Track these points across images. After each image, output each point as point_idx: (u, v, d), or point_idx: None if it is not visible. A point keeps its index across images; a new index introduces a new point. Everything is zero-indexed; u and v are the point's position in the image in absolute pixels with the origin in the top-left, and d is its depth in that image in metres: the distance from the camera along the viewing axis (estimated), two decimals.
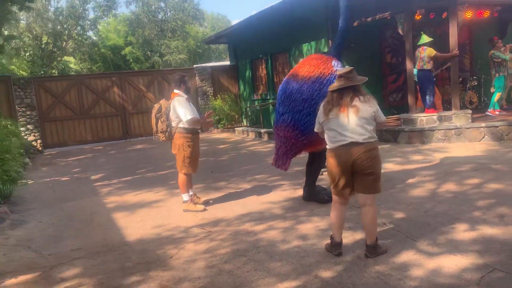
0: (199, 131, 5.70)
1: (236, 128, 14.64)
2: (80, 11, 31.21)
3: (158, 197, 6.52)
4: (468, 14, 11.79)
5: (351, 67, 3.81)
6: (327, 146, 3.82)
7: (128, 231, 4.99)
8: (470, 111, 9.23)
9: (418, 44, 9.40)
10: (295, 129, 5.16)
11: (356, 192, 3.76)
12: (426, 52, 9.20)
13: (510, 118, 9.01)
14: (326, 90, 4.82)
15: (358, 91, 3.71)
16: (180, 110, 5.25)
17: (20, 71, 24.91)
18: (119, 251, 4.37)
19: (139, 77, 14.86)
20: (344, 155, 3.64)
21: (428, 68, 9.27)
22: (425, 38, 9.34)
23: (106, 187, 7.59)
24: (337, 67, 5.18)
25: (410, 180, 6.27)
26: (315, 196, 5.50)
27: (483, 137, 8.72)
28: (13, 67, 24.81)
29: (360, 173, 3.65)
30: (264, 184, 6.84)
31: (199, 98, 15.49)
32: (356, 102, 3.63)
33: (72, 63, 36.07)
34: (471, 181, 5.90)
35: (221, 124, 15.35)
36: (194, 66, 16.60)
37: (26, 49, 28.81)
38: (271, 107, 13.81)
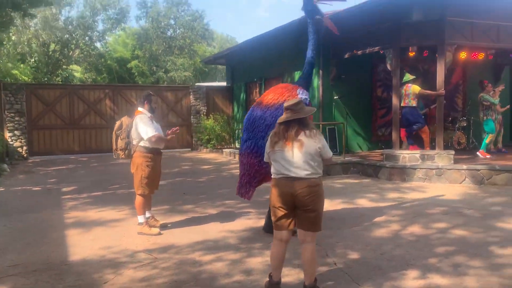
0: (161, 151, 5.60)
1: (224, 149, 14.55)
2: (89, 22, 31.64)
3: (119, 216, 6.39)
4: (462, 55, 11.83)
5: (298, 99, 3.73)
6: (272, 176, 3.72)
7: (75, 250, 4.84)
8: (453, 152, 9.10)
9: (402, 82, 9.36)
10: (258, 155, 5.07)
11: (297, 227, 3.64)
12: (411, 89, 9.17)
13: (493, 163, 8.87)
14: None
15: (304, 125, 3.61)
16: (141, 128, 5.18)
17: (23, 77, 25.07)
18: (57, 270, 4.22)
19: (133, 91, 14.90)
20: (286, 186, 3.55)
21: (414, 105, 9.20)
22: (408, 76, 9.35)
23: (73, 200, 7.47)
24: (302, 95, 5.11)
25: (378, 219, 6.11)
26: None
27: (464, 179, 8.56)
28: (16, 72, 24.98)
29: (301, 209, 3.54)
30: (231, 211, 6.70)
31: (191, 117, 15.48)
32: (302, 136, 3.54)
33: (78, 71, 36.39)
34: (438, 225, 5.74)
35: (211, 144, 15.28)
36: (190, 84, 16.66)
37: (32, 55, 29.10)
38: None
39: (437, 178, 8.74)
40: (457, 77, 12.98)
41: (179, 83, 31.86)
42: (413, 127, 9.33)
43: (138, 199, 5.40)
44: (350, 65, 11.32)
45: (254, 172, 5.12)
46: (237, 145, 15.62)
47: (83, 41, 31.76)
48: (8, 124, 12.67)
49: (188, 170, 10.86)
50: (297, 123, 3.58)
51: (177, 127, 5.61)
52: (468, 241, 5.06)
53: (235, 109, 16.11)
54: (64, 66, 31.93)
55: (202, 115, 15.45)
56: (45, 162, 12.70)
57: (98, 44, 34.25)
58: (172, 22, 37.28)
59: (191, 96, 15.59)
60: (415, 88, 9.19)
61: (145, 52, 34.91)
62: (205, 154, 14.94)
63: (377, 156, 10.43)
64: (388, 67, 9.51)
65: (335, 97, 11.36)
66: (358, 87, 11.67)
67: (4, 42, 26.51)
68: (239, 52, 14.86)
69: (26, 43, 27.89)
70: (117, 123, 5.45)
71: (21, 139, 12.92)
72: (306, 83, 5.52)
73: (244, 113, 15.35)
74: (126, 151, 5.35)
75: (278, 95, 5.19)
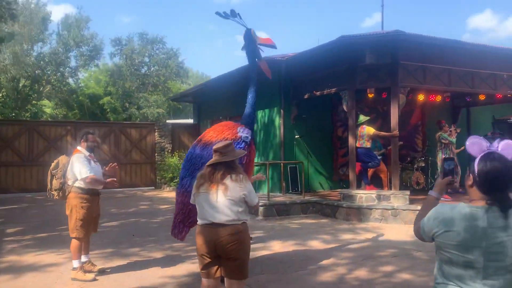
0: (100, 192, 5.42)
1: None
2: (62, 58, 31.52)
3: (58, 259, 6.08)
4: (420, 97, 12.17)
5: (229, 142, 3.67)
6: (197, 221, 3.60)
7: None
8: (408, 192, 9.15)
9: (356, 123, 9.51)
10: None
11: (223, 275, 3.50)
12: (365, 131, 9.29)
13: (447, 203, 8.92)
14: None
15: (231, 168, 3.53)
16: (76, 168, 5.01)
17: None
18: None
19: (96, 128, 14.63)
20: (208, 234, 3.42)
21: (368, 146, 9.31)
22: (361, 118, 9.50)
23: (14, 243, 7.12)
24: (242, 133, 5.05)
25: (326, 262, 6.00)
26: None
27: None
28: None
29: (224, 257, 3.40)
30: (177, 254, 6.48)
31: (156, 154, 15.29)
32: (227, 180, 3.45)
33: (48, 107, 35.90)
34: (385, 268, 5.66)
35: (174, 182, 15.03)
36: (155, 122, 16.54)
37: (0, 90, 28.61)
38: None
39: (393, 218, 8.74)
40: (416, 118, 13.31)
41: (151, 120, 31.70)
42: (368, 164, 9.41)
43: (73, 243, 5.16)
44: (311, 105, 11.49)
45: (188, 211, 4.98)
46: None
47: (55, 77, 31.50)
48: None
49: (145, 210, 10.59)
50: (224, 166, 3.51)
51: (115, 164, 5.41)
52: (411, 285, 5.00)
53: None
54: (34, 102, 31.48)
55: (166, 153, 15.28)
56: None
57: (70, 80, 34.00)
58: (146, 59, 37.44)
59: (156, 133, 15.45)
60: (369, 130, 9.32)
61: (118, 88, 34.80)
62: (168, 193, 14.64)
63: (337, 196, 10.41)
64: (345, 108, 9.67)
65: (296, 136, 11.43)
66: (320, 126, 11.80)
67: None
68: (205, 90, 14.94)
69: None
70: (54, 162, 5.24)
71: None
72: (249, 122, 5.48)
73: None
74: (61, 192, 5.14)
75: (218, 133, 5.15)
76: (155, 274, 5.45)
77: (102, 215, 6.03)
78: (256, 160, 12.40)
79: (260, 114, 12.30)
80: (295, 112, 11.41)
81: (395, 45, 8.99)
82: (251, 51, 5.90)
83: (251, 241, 7.06)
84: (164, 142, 15.50)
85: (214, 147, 3.61)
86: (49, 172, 5.23)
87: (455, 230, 1.95)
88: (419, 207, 8.57)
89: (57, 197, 5.19)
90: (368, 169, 9.86)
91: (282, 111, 11.37)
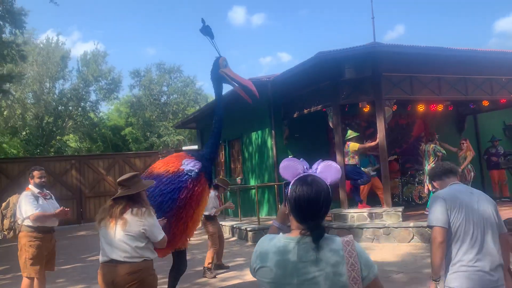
0: (54, 229, 5.37)
1: None
2: (82, 93, 32.58)
3: None
4: (420, 108, 11.77)
5: (133, 174, 3.53)
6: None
7: None
8: (401, 209, 8.72)
9: (345, 139, 9.22)
10: None
11: None
12: (349, 147, 8.98)
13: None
14: (164, 188, 4.58)
15: (134, 202, 3.39)
16: (22, 206, 5.00)
17: (12, 150, 25.45)
18: None
19: (99, 160, 14.89)
20: (106, 273, 3.26)
21: (353, 163, 8.97)
22: (349, 133, 9.19)
23: None
24: (186, 167, 4.89)
25: None
26: None
27: (412, 238, 8.13)
28: (5, 145, 25.42)
29: None
30: None
31: None
32: (127, 214, 3.30)
33: (72, 141, 37.00)
34: None
35: None
36: (159, 149, 16.64)
37: (24, 128, 29.72)
38: (228, 194, 13.48)
39: (385, 237, 8.31)
40: (418, 129, 12.82)
41: (171, 147, 32.16)
42: (357, 181, 9.04)
43: (24, 282, 5.10)
44: (304, 124, 11.25)
45: None
46: None
47: (76, 112, 32.51)
48: None
49: None
50: (125, 200, 3.38)
51: (68, 209, 5.30)
52: None
53: None
54: (58, 137, 32.51)
55: None
56: None
57: (91, 114, 35.03)
58: (165, 88, 38.24)
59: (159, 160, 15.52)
60: (353, 146, 9.00)
61: (139, 119, 35.55)
62: None
63: (330, 216, 10.04)
64: (330, 124, 9.41)
65: (289, 156, 11.17)
66: (315, 145, 11.50)
67: None
68: (205, 115, 14.97)
69: (20, 117, 28.63)
70: (5, 202, 5.26)
71: None
72: (209, 153, 5.24)
73: (214, 175, 15.18)
74: (12, 231, 5.12)
75: (163, 164, 5.03)
76: None
77: (91, 249, 5.92)
78: (252, 183, 12.25)
79: (254, 135, 12.17)
80: (286, 132, 11.22)
81: (375, 57, 8.72)
82: (215, 79, 5.71)
83: (226, 269, 6.88)
84: None
85: (118, 180, 3.49)
86: (0, 212, 5.23)
87: (268, 266, 1.73)
88: (411, 224, 8.18)
89: (8, 236, 5.17)
90: (361, 187, 9.49)
91: (273, 131, 11.20)
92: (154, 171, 4.92)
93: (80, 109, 32.62)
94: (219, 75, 5.75)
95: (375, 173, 9.92)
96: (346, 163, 9.05)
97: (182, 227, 4.54)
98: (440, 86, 9.48)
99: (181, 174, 4.77)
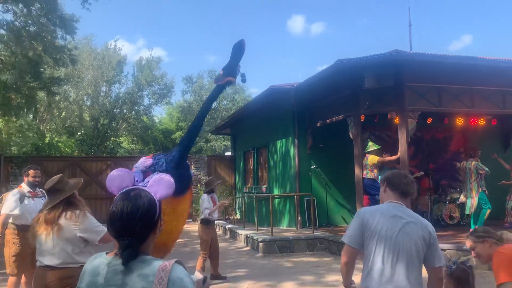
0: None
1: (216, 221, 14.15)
2: (136, 97, 33.90)
3: None
4: (459, 121, 11.03)
5: (58, 176, 3.44)
6: None
7: None
8: None
9: (364, 151, 8.76)
10: None
11: None
12: (368, 160, 8.51)
13: (462, 241, 7.73)
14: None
15: (70, 203, 3.32)
16: (5, 203, 5.13)
17: (66, 149, 26.88)
18: None
19: (134, 162, 15.20)
20: (40, 277, 3.22)
21: (371, 176, 8.48)
22: (369, 146, 8.71)
23: None
24: (138, 165, 4.55)
25: None
26: None
27: None
28: (60, 144, 26.91)
29: None
30: None
31: (192, 186, 15.47)
32: (61, 219, 3.24)
33: (124, 142, 38.53)
34: None
35: None
36: (191, 154, 16.83)
37: (80, 129, 31.36)
38: (254, 202, 13.32)
39: None
40: (457, 144, 11.96)
41: (218, 152, 32.72)
42: (375, 197, 8.52)
43: (10, 279, 5.23)
44: (329, 133, 10.86)
45: None
46: (238, 216, 15.21)
47: (130, 115, 33.87)
48: None
49: None
50: (62, 204, 3.32)
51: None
52: None
53: (237, 178, 15.92)
54: (112, 139, 34.00)
55: (199, 185, 15.39)
56: None
57: (144, 118, 36.33)
58: None
59: (192, 166, 15.68)
60: (372, 159, 8.53)
61: (189, 123, 36.31)
62: (194, 225, 14.64)
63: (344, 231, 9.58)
64: (350, 135, 8.99)
65: (312, 167, 10.84)
66: (339, 156, 11.04)
67: (54, 115, 29.17)
68: (236, 120, 14.98)
69: (77, 119, 30.29)
70: None
71: None
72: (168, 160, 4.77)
73: (243, 182, 15.09)
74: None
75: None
76: None
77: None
78: (276, 192, 11.99)
79: (279, 143, 11.94)
80: (310, 142, 10.89)
81: (398, 66, 8.22)
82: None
83: (222, 280, 6.69)
84: (200, 174, 15.68)
85: (47, 186, 3.38)
86: None
87: (81, 287, 1.58)
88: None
89: None
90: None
91: (296, 140, 10.90)
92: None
93: (133, 112, 33.98)
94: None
95: None
96: (364, 176, 8.60)
97: None
98: (473, 98, 8.76)
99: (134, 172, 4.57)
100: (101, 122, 32.69)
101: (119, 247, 1.53)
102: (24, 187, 5.39)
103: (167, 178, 1.71)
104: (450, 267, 2.95)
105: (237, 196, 15.38)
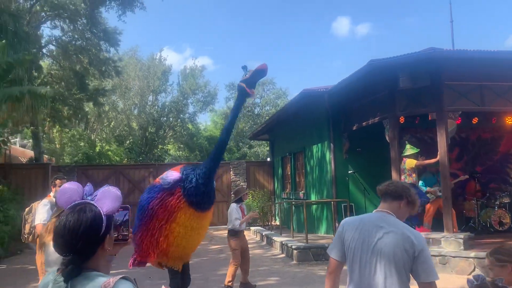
0: None
1: (252, 227, 14.09)
2: (181, 105, 34.67)
3: None
4: (509, 120, 10.39)
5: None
6: None
7: None
8: (463, 236, 7.60)
9: (402, 154, 8.37)
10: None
11: None
12: (405, 164, 8.12)
13: None
14: (142, 197, 4.48)
15: None
16: (36, 213, 5.30)
17: (115, 157, 27.89)
18: None
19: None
20: None
21: (410, 181, 8.06)
22: (406, 149, 8.32)
23: None
24: (166, 178, 4.51)
25: None
26: None
27: (473, 270, 7.05)
28: (110, 153, 27.98)
29: None
30: None
31: (231, 193, 15.53)
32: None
33: (171, 149, 39.44)
34: None
35: None
36: (230, 161, 16.89)
37: (128, 137, 32.46)
38: (293, 207, 13.14)
39: (441, 267, 7.33)
40: (508, 145, 11.20)
41: (262, 158, 32.75)
42: None
43: None
44: (367, 136, 10.48)
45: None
46: (277, 222, 15.07)
47: (176, 123, 34.67)
48: None
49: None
50: None
51: None
52: None
53: (276, 184, 15.80)
54: (160, 146, 34.93)
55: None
56: None
57: (189, 125, 37.06)
58: (258, 100, 39.03)
59: (231, 172, 15.75)
60: (409, 162, 8.13)
61: (233, 130, 36.63)
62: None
63: None
64: (387, 138, 8.63)
65: (349, 172, 10.52)
66: (378, 160, 10.61)
67: (104, 125, 30.38)
68: (276, 127, 14.87)
69: (126, 128, 31.42)
70: (28, 208, 5.65)
71: None
72: (198, 173, 4.67)
73: (282, 188, 14.94)
74: (30, 236, 5.47)
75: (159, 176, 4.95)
76: None
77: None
78: (313, 197, 11.73)
79: (315, 148, 11.71)
80: (346, 145, 10.58)
81: (434, 64, 7.81)
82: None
83: None
84: (239, 180, 15.70)
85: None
86: (23, 217, 5.63)
87: None
88: (472, 254, 7.12)
89: (27, 241, 5.53)
90: (427, 208, 8.52)
91: (332, 145, 10.64)
92: (153, 183, 4.87)
93: (179, 120, 34.76)
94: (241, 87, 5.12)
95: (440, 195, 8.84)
96: (402, 181, 8.20)
97: (150, 240, 4.38)
98: None
99: (156, 185, 4.54)
100: (149, 130, 33.69)
101: (61, 263, 1.49)
102: (53, 197, 5.55)
103: (114, 191, 1.65)
104: (472, 283, 2.69)
105: (276, 202, 15.25)
